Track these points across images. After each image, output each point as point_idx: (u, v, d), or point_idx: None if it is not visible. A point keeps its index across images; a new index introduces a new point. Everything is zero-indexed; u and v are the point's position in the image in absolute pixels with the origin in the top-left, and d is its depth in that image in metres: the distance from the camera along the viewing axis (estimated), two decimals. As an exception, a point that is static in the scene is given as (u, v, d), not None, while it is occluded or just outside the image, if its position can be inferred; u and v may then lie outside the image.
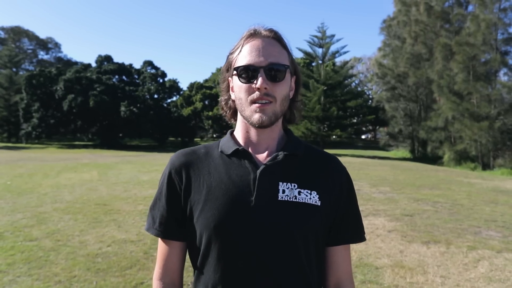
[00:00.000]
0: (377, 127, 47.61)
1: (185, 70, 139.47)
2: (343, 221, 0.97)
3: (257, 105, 0.89)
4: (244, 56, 0.91)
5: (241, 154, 0.94)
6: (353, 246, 4.42)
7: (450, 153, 20.66)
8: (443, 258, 4.19)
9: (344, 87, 28.29)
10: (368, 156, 24.62)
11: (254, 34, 0.93)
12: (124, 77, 38.46)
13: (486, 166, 18.83)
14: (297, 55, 28.49)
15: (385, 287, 3.43)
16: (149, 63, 41.08)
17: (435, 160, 22.15)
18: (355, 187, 1.03)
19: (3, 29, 58.67)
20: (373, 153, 27.97)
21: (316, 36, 26.62)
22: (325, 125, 26.80)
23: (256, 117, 0.90)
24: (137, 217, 5.97)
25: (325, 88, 26.10)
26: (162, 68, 45.00)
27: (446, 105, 20.53)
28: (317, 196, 0.91)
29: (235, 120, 1.01)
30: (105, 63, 38.15)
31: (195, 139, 41.26)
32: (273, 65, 0.89)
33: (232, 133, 1.02)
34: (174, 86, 40.69)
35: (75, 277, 3.52)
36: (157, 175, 10.92)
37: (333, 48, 26.99)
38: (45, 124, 33.21)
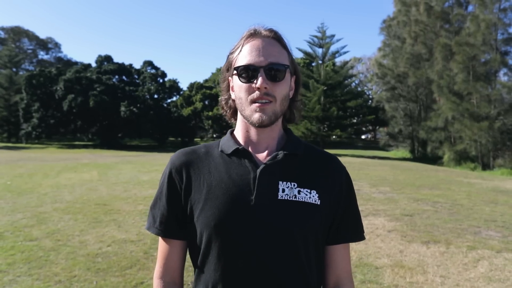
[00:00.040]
0: (377, 127, 47.61)
1: (185, 70, 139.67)
2: (343, 220, 0.97)
3: (257, 104, 0.90)
4: (244, 56, 0.91)
5: (241, 153, 0.95)
6: (353, 246, 4.42)
7: (450, 153, 20.66)
8: (442, 258, 4.19)
9: (344, 87, 28.30)
10: (368, 156, 24.62)
11: (254, 34, 0.93)
12: (124, 77, 38.48)
13: (486, 166, 18.84)
14: (297, 55, 28.52)
15: (385, 287, 3.44)
16: (149, 63, 41.11)
17: (435, 160, 22.16)
18: (355, 187, 1.04)
19: (3, 29, 58.72)
20: (373, 153, 27.97)
21: (316, 36, 26.66)
22: (325, 125, 26.81)
23: (256, 116, 0.90)
24: (137, 217, 5.97)
25: (325, 88, 26.11)
26: (162, 68, 45.13)
27: (446, 105, 20.54)
28: (317, 195, 0.92)
29: (235, 119, 1.02)
30: (105, 63, 38.17)
31: (195, 139, 41.27)
32: (273, 65, 0.90)
33: (232, 133, 1.02)
34: (174, 86, 40.71)
35: (75, 277, 3.53)
36: (157, 175, 10.92)
37: (333, 48, 27.05)
38: (45, 124, 33.23)
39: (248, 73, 0.90)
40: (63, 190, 8.59)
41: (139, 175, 11.68)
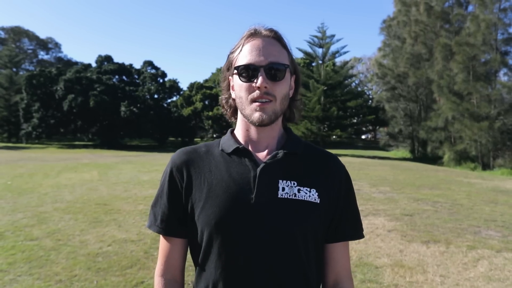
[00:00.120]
0: (377, 127, 47.59)
1: (185, 70, 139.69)
2: (342, 218, 0.98)
3: (257, 103, 0.91)
4: (245, 56, 0.92)
5: (242, 152, 0.95)
6: (353, 246, 4.43)
7: (450, 153, 20.66)
8: (442, 258, 4.20)
9: (344, 87, 28.30)
10: (368, 156, 24.62)
11: (254, 34, 0.94)
12: (124, 77, 38.47)
13: (486, 166, 18.83)
14: (297, 55, 28.53)
15: (384, 286, 3.44)
16: (149, 63, 41.10)
17: (435, 160, 22.15)
18: (355, 187, 1.04)
19: (3, 29, 58.72)
20: (373, 153, 27.96)
21: (316, 36, 26.66)
22: (325, 125, 26.81)
23: (256, 115, 0.91)
24: (138, 216, 5.98)
25: (325, 88, 26.12)
26: (162, 68, 45.01)
27: (446, 105, 20.53)
28: (317, 194, 0.92)
29: (236, 118, 1.03)
30: (105, 63, 38.16)
31: (195, 139, 41.23)
32: (273, 65, 0.90)
33: (232, 132, 1.03)
34: (174, 86, 40.70)
35: (76, 276, 3.53)
36: (157, 175, 10.93)
37: (333, 48, 27.06)
38: (45, 124, 33.21)
39: (248, 72, 0.91)
40: (64, 190, 8.60)
41: (139, 175, 11.69)
